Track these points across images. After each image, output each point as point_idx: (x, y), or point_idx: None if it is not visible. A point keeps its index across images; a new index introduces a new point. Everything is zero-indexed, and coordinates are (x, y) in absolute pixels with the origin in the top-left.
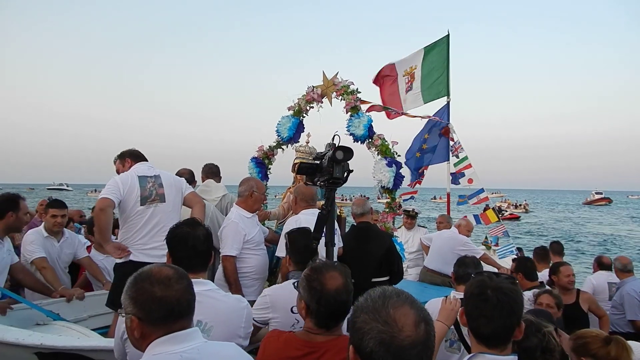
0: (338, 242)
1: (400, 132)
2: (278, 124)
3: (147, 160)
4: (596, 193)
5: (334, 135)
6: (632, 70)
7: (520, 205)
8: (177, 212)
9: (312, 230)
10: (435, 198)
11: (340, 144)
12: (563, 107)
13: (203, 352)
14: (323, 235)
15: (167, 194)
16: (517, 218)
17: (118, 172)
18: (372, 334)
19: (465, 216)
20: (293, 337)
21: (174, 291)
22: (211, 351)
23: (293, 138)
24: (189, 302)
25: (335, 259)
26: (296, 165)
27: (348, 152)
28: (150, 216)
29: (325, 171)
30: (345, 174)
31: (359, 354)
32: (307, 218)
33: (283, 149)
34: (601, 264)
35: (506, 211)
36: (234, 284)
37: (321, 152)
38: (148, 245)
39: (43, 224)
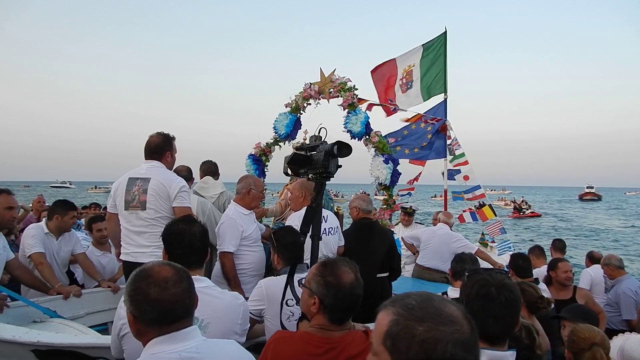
0: (340, 241)
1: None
2: (275, 120)
3: (154, 153)
4: (587, 187)
5: (320, 128)
6: (632, 67)
7: (520, 202)
8: (164, 220)
9: (301, 224)
10: (435, 196)
11: (338, 140)
12: (561, 103)
13: (202, 351)
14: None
15: (148, 202)
16: (538, 216)
17: None
18: (446, 338)
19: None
20: (310, 335)
21: (169, 295)
22: (210, 349)
23: (290, 135)
24: (185, 306)
25: (329, 255)
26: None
27: (347, 149)
28: (132, 222)
29: (318, 164)
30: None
31: None
32: None
33: (280, 146)
34: (593, 259)
35: (527, 209)
36: (232, 281)
37: (307, 144)
38: (130, 249)
39: (44, 220)
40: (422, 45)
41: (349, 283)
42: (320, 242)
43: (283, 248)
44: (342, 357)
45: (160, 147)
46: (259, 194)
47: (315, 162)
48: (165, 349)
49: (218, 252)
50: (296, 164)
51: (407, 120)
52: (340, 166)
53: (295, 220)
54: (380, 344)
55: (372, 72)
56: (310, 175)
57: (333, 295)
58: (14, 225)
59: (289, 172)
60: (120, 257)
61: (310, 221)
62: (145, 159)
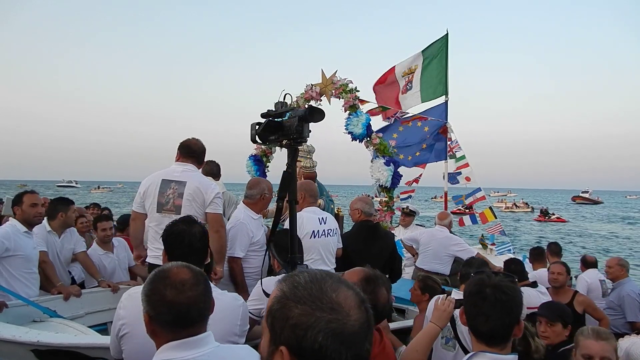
0: (338, 243)
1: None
2: None
3: (194, 157)
4: (582, 192)
5: (285, 94)
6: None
7: (519, 204)
8: None
9: (278, 190)
10: (435, 197)
11: (309, 105)
12: (558, 104)
13: (213, 358)
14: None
15: (184, 207)
16: (564, 222)
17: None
18: (319, 326)
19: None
20: None
21: (185, 298)
22: (222, 356)
23: None
24: (200, 310)
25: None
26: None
27: (320, 114)
28: (163, 226)
29: (291, 130)
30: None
31: (298, 353)
32: (310, 216)
33: (281, 147)
34: (587, 263)
35: (553, 214)
36: (240, 285)
37: (272, 110)
38: (160, 252)
39: (46, 219)
40: (422, 50)
41: (382, 304)
42: (319, 243)
43: (283, 251)
44: (371, 356)
45: (202, 153)
46: (270, 197)
47: (287, 128)
48: (176, 356)
49: (227, 256)
50: (268, 130)
51: (404, 122)
52: (310, 131)
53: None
54: (265, 320)
55: (374, 86)
56: (284, 142)
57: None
58: (40, 221)
59: (257, 139)
60: (147, 260)
61: (287, 187)
62: (182, 159)
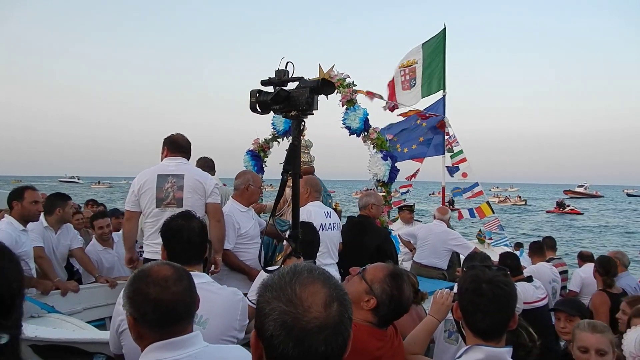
0: (339, 238)
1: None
2: (274, 117)
3: (184, 152)
4: (578, 186)
5: (287, 63)
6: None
7: (513, 198)
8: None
9: (285, 162)
10: (433, 193)
11: (322, 77)
12: (557, 101)
13: (201, 358)
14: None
15: (185, 199)
16: (579, 214)
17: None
18: (274, 315)
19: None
20: (371, 329)
21: (170, 294)
22: (211, 356)
23: (289, 131)
24: (187, 306)
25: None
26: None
27: (331, 87)
28: (163, 220)
29: (300, 101)
30: None
31: (260, 338)
32: (317, 210)
33: (279, 142)
34: (584, 258)
35: (568, 206)
36: (241, 269)
37: (274, 78)
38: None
39: (42, 214)
40: (422, 44)
41: (407, 299)
42: (326, 236)
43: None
44: (392, 348)
45: (189, 147)
46: (257, 189)
47: (295, 99)
48: (162, 356)
49: None
50: (275, 100)
51: (403, 115)
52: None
53: (303, 215)
54: None
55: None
56: (292, 113)
57: (392, 308)
58: (38, 219)
59: (257, 108)
60: (144, 256)
61: (294, 159)
62: (170, 154)
